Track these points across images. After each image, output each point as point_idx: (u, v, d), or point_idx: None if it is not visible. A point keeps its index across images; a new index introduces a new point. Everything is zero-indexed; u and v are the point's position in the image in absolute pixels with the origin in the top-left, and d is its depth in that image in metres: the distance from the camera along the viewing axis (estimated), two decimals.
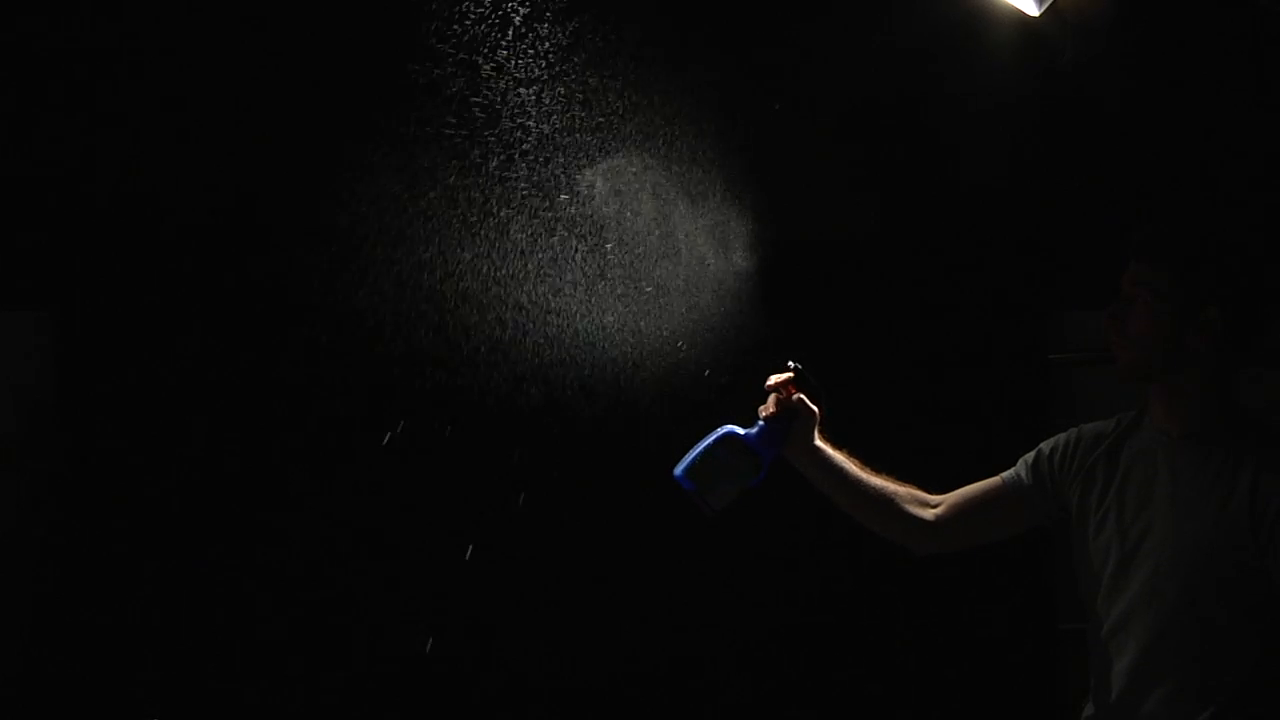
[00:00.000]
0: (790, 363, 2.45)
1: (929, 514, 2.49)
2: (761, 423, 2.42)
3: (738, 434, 2.41)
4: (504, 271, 3.44)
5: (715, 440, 2.41)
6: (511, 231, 3.41)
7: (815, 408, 2.45)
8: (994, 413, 3.57)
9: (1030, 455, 2.47)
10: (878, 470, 2.52)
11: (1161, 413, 2.30)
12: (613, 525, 3.58)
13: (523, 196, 3.41)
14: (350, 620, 3.61)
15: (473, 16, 3.29)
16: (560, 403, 3.49)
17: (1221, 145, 3.33)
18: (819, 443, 2.46)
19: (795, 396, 2.42)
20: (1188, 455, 2.25)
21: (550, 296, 3.41)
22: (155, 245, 3.55)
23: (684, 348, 3.46)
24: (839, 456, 2.48)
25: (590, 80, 3.36)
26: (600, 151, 3.44)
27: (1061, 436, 2.45)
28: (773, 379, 2.43)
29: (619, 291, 3.42)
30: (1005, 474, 2.49)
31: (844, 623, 3.61)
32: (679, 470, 2.41)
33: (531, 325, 3.43)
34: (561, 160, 3.41)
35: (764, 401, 2.45)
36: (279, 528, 3.58)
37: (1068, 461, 2.40)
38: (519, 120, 3.40)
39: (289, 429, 3.59)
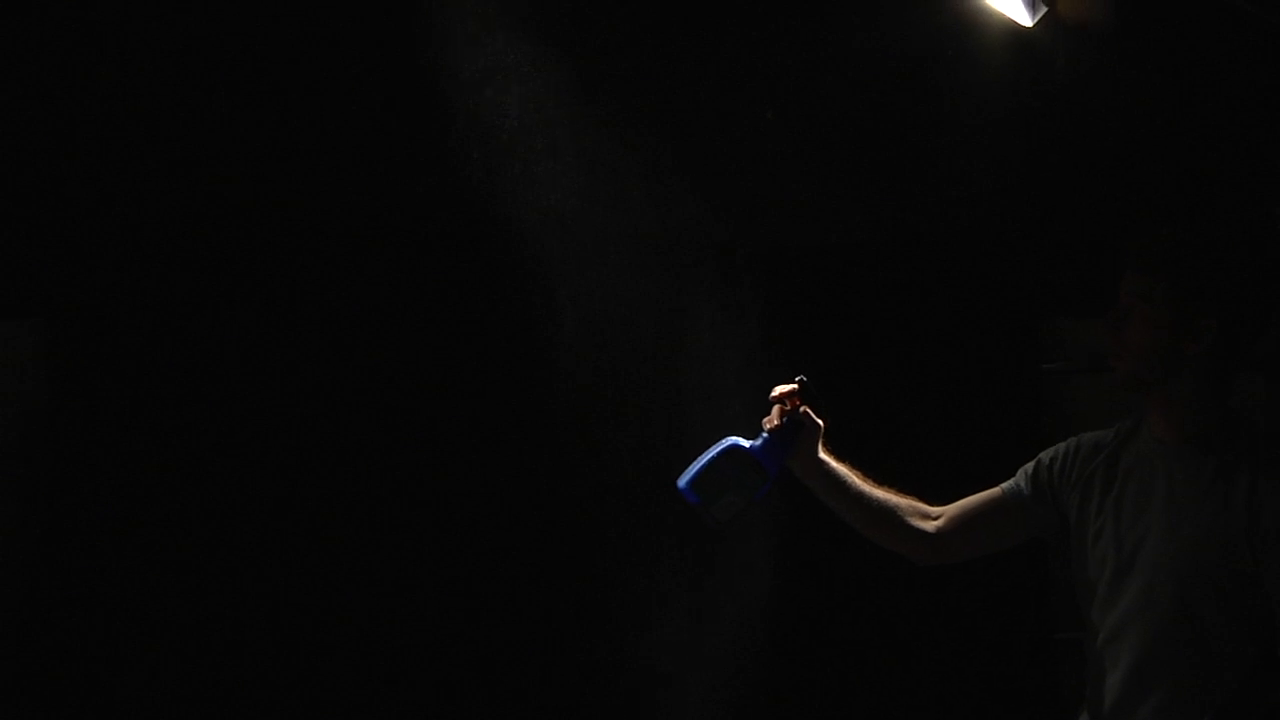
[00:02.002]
0: (797, 376, 2.44)
1: (930, 526, 2.50)
2: (766, 434, 2.41)
3: (742, 446, 2.40)
4: None
5: (719, 452, 2.39)
6: None
7: (820, 421, 2.44)
8: (987, 422, 3.58)
9: (1030, 465, 2.48)
10: (880, 483, 2.52)
11: (1158, 420, 2.32)
12: (611, 526, 3.59)
13: None
14: (345, 623, 3.61)
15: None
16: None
17: (1216, 155, 3.35)
18: (823, 455, 2.46)
19: (800, 409, 2.41)
20: (1184, 462, 2.27)
21: None
22: (148, 251, 3.54)
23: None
24: (842, 469, 2.48)
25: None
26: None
27: (1061, 446, 2.46)
28: (777, 390, 2.43)
29: None
30: (1005, 484, 2.50)
31: (840, 631, 3.61)
32: (683, 482, 2.40)
33: None
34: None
35: (768, 413, 2.44)
36: (271, 532, 3.58)
37: (1067, 471, 2.41)
38: None
39: (282, 435, 3.59)
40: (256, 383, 3.56)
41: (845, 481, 2.47)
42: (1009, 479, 2.51)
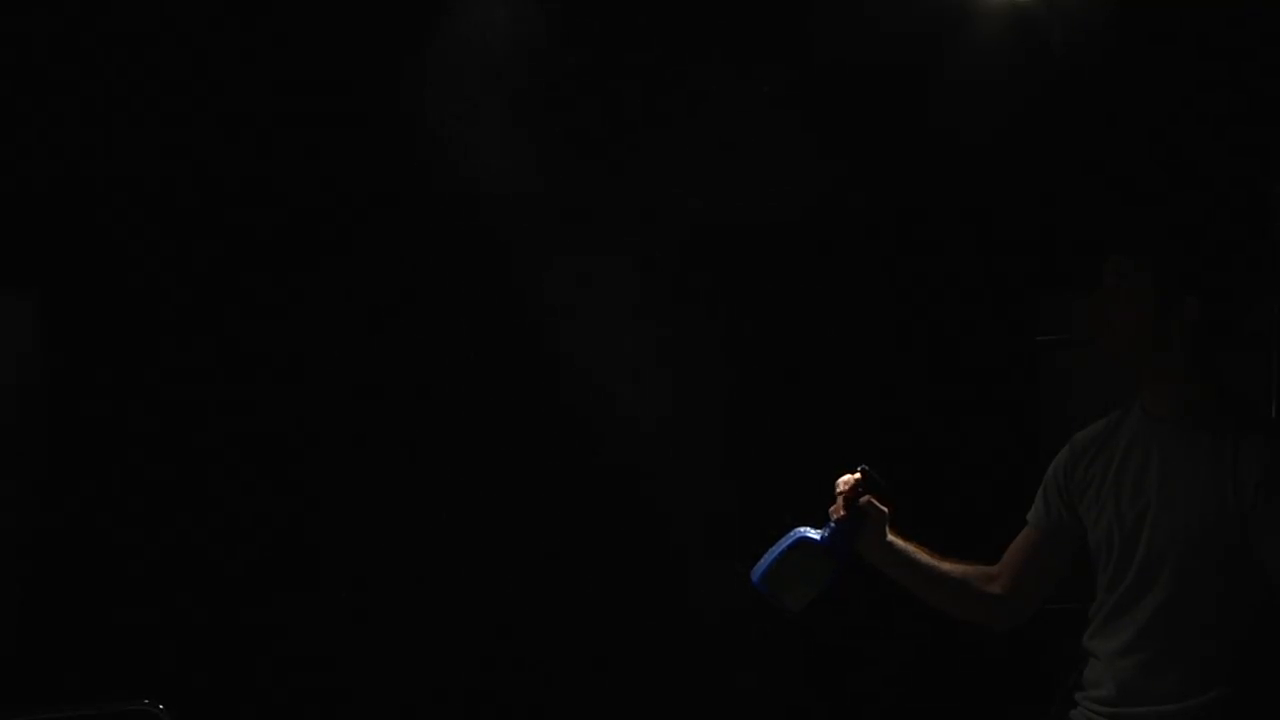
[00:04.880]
0: (860, 466, 2.47)
1: (997, 588, 2.54)
2: (832, 524, 2.44)
3: (811, 538, 2.43)
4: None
5: (789, 546, 2.43)
6: None
7: (884, 507, 2.47)
8: (984, 394, 3.60)
9: (1039, 492, 2.51)
10: (945, 555, 2.54)
11: (1150, 398, 2.37)
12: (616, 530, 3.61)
13: None
14: (340, 610, 3.64)
15: None
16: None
17: (1203, 135, 3.36)
18: (890, 537, 2.48)
19: (864, 498, 2.44)
20: (1176, 439, 2.32)
21: None
22: (145, 232, 3.56)
23: None
24: (911, 549, 2.51)
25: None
26: None
27: (1059, 456, 2.50)
28: (841, 481, 2.45)
29: None
30: (1029, 518, 2.54)
31: (830, 601, 3.64)
32: (756, 577, 2.44)
33: None
34: None
35: (833, 501, 2.46)
36: (269, 513, 3.62)
37: (1071, 475, 2.46)
38: None
39: (280, 417, 3.61)
40: (254, 363, 3.59)
41: (915, 561, 2.50)
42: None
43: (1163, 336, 2.28)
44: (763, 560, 2.45)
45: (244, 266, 3.57)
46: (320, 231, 3.58)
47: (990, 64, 3.44)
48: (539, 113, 3.53)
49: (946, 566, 2.52)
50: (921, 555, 2.51)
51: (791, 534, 2.45)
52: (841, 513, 2.43)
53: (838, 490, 2.46)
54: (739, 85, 3.53)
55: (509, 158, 3.52)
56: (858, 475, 2.45)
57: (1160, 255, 2.26)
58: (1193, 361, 2.30)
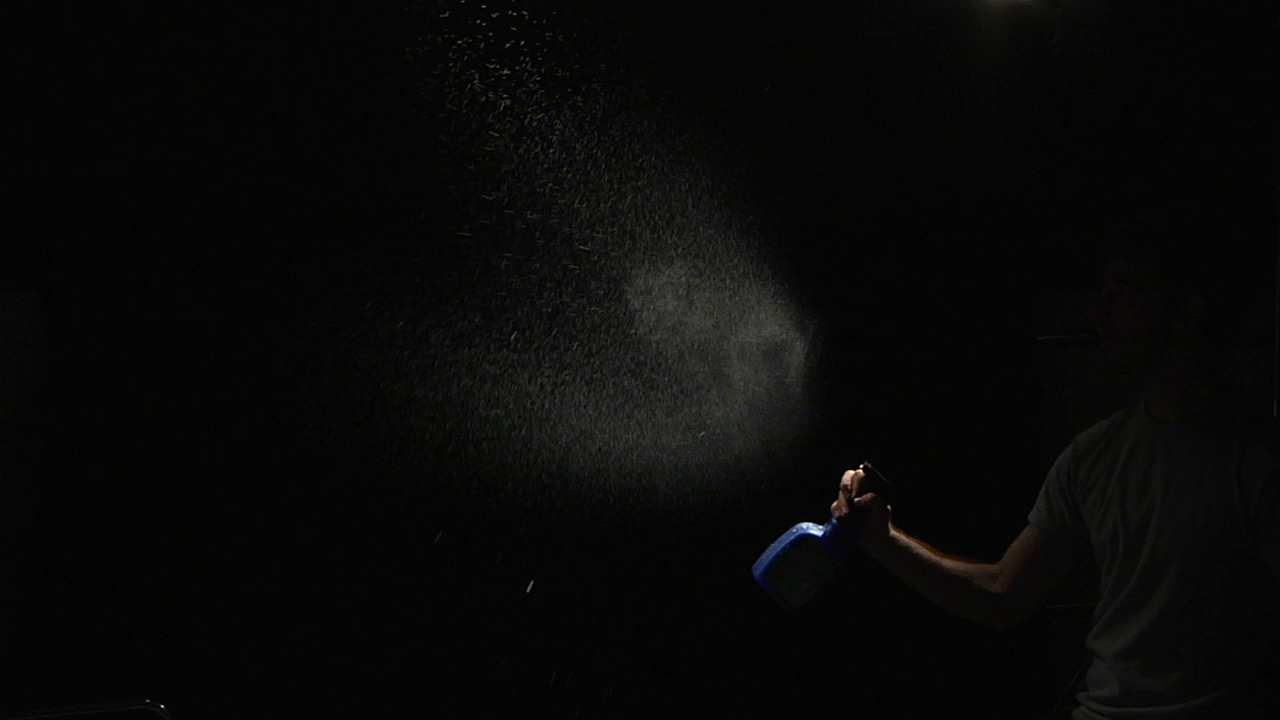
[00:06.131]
0: (863, 463, 2.47)
1: (997, 586, 2.55)
2: (835, 521, 2.45)
3: (813, 535, 2.44)
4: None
5: (791, 543, 2.44)
6: None
7: (887, 505, 2.48)
8: (985, 394, 3.60)
9: (1041, 492, 2.51)
10: (947, 552, 2.55)
11: (1154, 400, 2.36)
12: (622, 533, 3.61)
13: None
14: (340, 611, 3.64)
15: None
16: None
17: (1203, 133, 3.36)
18: (893, 533, 2.49)
19: (867, 495, 2.45)
20: (1181, 440, 2.31)
21: None
22: (148, 231, 3.56)
23: None
24: (913, 545, 2.52)
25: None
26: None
27: (1061, 457, 2.50)
28: (845, 478, 2.46)
29: None
30: (1030, 518, 2.54)
31: (833, 600, 3.64)
32: (758, 574, 2.45)
33: None
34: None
35: (835, 498, 2.47)
36: (270, 513, 3.61)
37: (1074, 476, 2.46)
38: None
39: (280, 417, 3.61)
40: (256, 367, 3.58)
41: (917, 557, 2.51)
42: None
43: (1165, 338, 2.28)
44: (764, 556, 2.45)
45: (244, 266, 3.56)
46: (321, 230, 3.58)
47: (990, 64, 3.44)
48: (538, 112, 3.53)
49: (948, 564, 2.53)
50: (924, 551, 2.52)
51: (793, 530, 2.45)
52: (844, 510, 2.44)
53: (841, 486, 2.46)
54: (739, 85, 3.53)
55: (508, 158, 3.52)
56: (860, 472, 2.45)
57: (1162, 256, 2.26)
58: (1196, 363, 2.30)
